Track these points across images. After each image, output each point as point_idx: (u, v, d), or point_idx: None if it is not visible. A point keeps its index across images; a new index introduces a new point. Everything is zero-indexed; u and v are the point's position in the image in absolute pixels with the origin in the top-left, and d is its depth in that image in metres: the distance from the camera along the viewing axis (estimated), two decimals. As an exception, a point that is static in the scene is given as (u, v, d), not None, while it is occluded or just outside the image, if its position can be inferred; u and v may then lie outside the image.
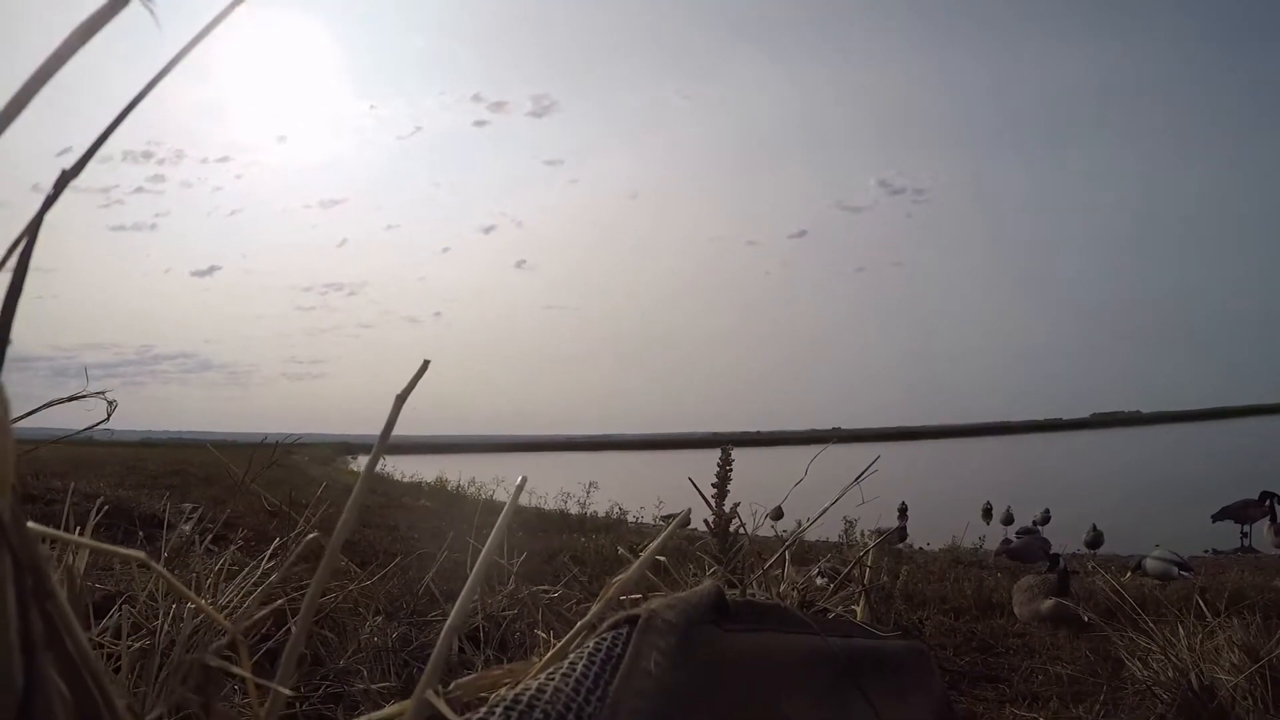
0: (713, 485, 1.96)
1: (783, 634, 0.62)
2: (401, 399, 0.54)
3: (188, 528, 2.31)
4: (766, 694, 0.56)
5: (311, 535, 0.79)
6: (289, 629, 1.66)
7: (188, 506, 3.31)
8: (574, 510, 8.83)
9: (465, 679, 0.44)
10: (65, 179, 0.37)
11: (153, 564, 0.51)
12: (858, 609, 2.06)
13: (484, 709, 0.38)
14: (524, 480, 0.64)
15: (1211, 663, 2.14)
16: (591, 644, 0.46)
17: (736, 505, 2.01)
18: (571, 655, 0.45)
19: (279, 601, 1.50)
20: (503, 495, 9.36)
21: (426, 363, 0.57)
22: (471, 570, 0.50)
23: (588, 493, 8.80)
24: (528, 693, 0.40)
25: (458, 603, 0.51)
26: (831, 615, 1.71)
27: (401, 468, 16.41)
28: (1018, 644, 3.38)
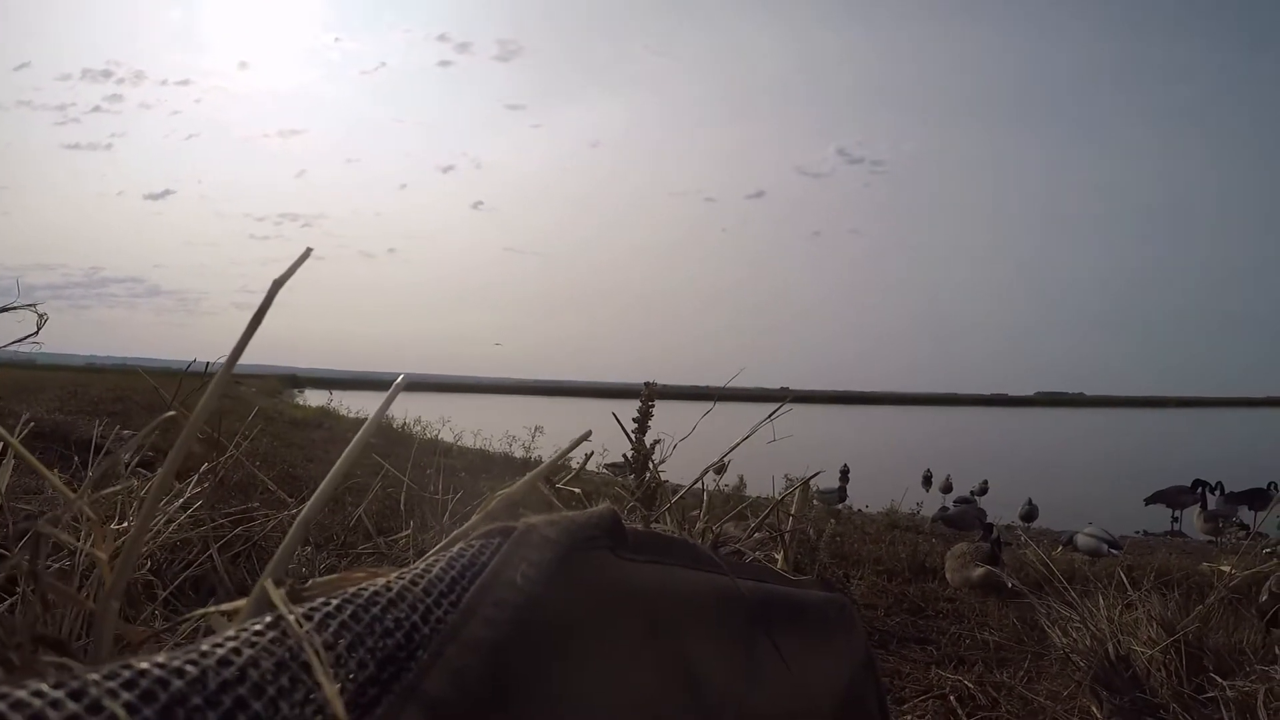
0: (634, 420, 1.95)
1: (690, 571, 0.59)
2: (279, 284, 0.52)
3: (126, 455, 2.25)
4: (666, 628, 0.52)
5: (169, 414, 0.76)
6: (211, 555, 1.63)
7: (127, 433, 3.24)
8: (519, 454, 8.76)
9: (323, 579, 0.41)
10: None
11: (7, 437, 0.48)
12: (779, 557, 2.05)
13: (320, 600, 0.35)
14: (403, 379, 0.61)
15: (1129, 634, 2.18)
16: (455, 550, 0.43)
17: (656, 442, 2.00)
18: (430, 558, 0.42)
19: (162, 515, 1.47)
20: (448, 435, 9.32)
21: (308, 250, 0.54)
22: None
23: (533, 437, 8.73)
24: (370, 589, 0.37)
25: (316, 493, 0.48)
26: (748, 560, 1.69)
27: (348, 403, 16.27)
28: (947, 608, 3.42)
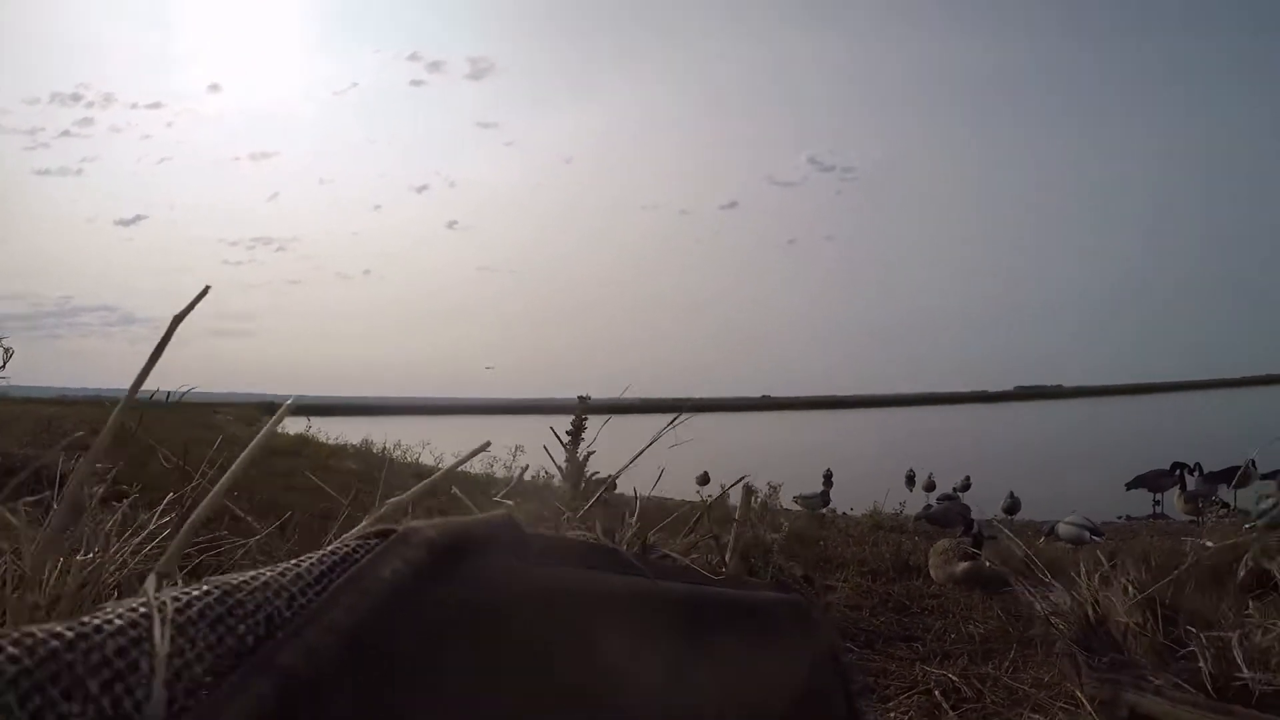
0: (567, 433, 1.96)
1: (609, 575, 0.58)
2: (178, 319, 0.52)
3: (99, 489, 2.23)
4: (579, 631, 0.51)
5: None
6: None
7: (99, 467, 3.19)
8: (500, 474, 8.74)
9: (217, 577, 0.41)
10: None
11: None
12: (725, 561, 2.03)
13: (195, 587, 0.38)
14: (291, 403, 0.62)
15: (1109, 600, 2.18)
16: (330, 548, 0.43)
17: (590, 454, 2.00)
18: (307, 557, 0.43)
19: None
20: (428, 459, 9.27)
21: (207, 288, 0.56)
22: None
23: (514, 457, 8.70)
24: (239, 578, 0.39)
25: (204, 502, 0.48)
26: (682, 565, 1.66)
27: (328, 430, 16.20)
28: (932, 605, 3.42)
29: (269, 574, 0.39)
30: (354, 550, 0.42)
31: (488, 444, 0.71)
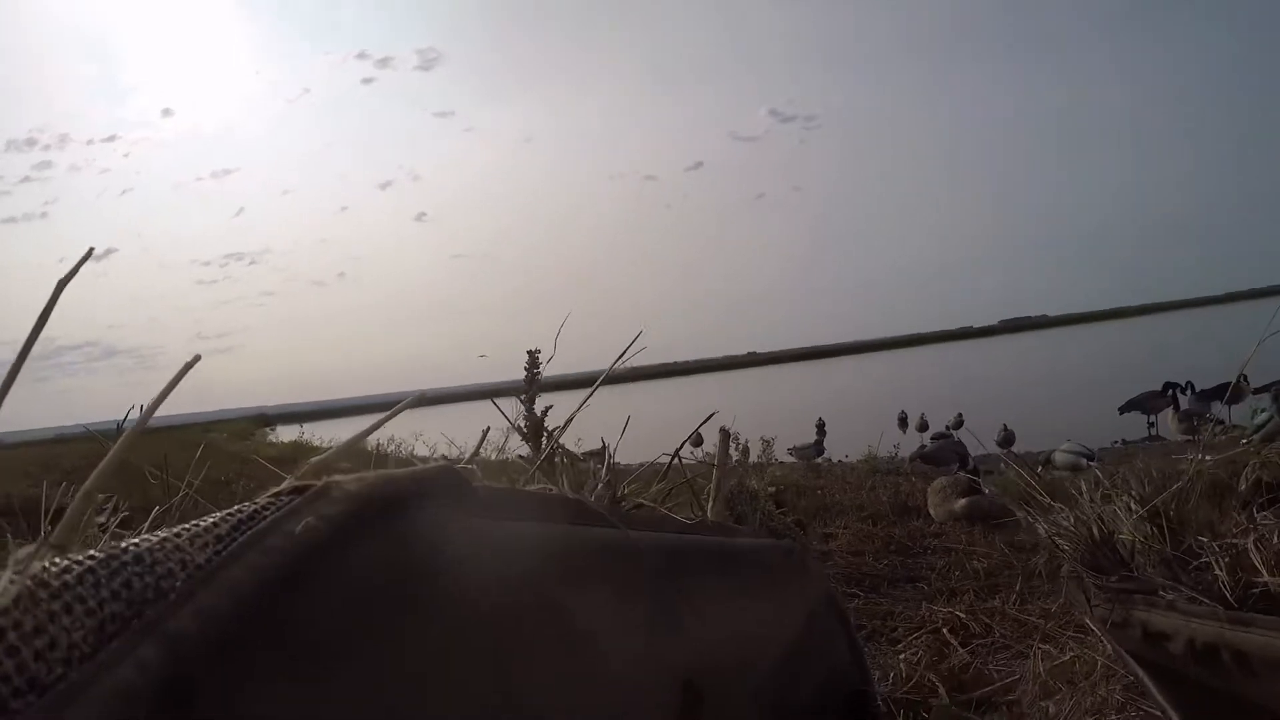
0: (525, 384, 1.90)
1: (572, 527, 0.54)
2: (63, 283, 0.49)
3: (102, 518, 2.20)
4: (537, 584, 0.47)
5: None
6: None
7: (101, 496, 3.17)
8: (492, 456, 8.65)
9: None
10: None
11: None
12: (708, 509, 1.98)
13: (76, 553, 0.34)
14: (196, 358, 0.58)
15: (1113, 518, 2.16)
16: (236, 506, 0.40)
17: (549, 408, 1.94)
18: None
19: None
20: (422, 449, 9.24)
21: (90, 250, 0.53)
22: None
23: (505, 437, 8.65)
24: (126, 542, 0.36)
25: (97, 469, 0.45)
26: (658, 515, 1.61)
27: (320, 433, 16.18)
28: (934, 544, 3.42)
29: (163, 534, 0.36)
30: (263, 507, 0.39)
31: (422, 393, 0.67)
